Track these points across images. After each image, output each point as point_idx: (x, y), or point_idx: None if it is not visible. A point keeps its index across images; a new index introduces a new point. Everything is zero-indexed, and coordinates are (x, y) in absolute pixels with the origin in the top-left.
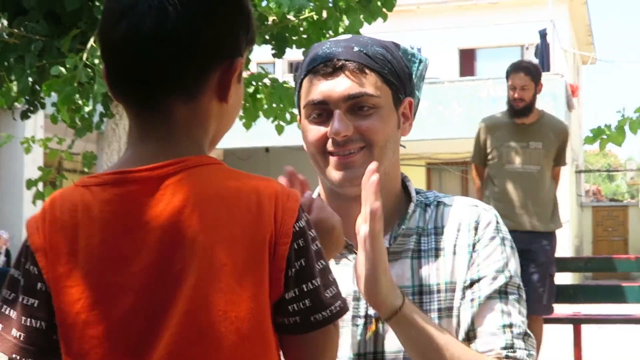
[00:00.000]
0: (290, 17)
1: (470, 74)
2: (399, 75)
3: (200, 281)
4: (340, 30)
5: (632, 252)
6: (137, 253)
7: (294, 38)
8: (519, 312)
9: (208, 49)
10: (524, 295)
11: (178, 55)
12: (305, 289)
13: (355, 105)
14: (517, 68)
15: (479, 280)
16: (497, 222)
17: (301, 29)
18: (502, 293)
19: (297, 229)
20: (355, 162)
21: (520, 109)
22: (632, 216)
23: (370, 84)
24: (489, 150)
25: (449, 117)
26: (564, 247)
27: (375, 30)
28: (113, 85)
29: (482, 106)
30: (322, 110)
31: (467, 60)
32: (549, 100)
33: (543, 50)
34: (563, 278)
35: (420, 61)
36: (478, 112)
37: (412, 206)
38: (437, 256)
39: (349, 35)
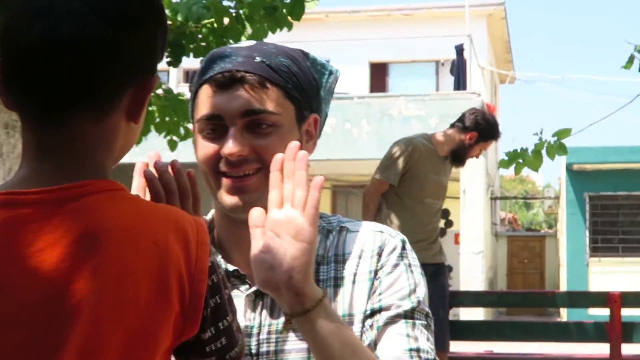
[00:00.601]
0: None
1: (381, 90)
2: (304, 89)
3: (97, 319)
4: (243, 38)
5: (548, 286)
6: (27, 284)
7: (191, 46)
8: (427, 339)
9: (127, 62)
10: (432, 326)
11: (95, 67)
12: (221, 327)
13: (252, 122)
14: (497, 137)
15: (380, 310)
16: (404, 248)
17: (200, 35)
18: (407, 317)
19: (210, 263)
20: (250, 185)
21: (464, 163)
22: (549, 247)
23: (271, 100)
24: (408, 175)
25: (357, 136)
26: (477, 280)
27: (280, 40)
28: (10, 92)
29: (394, 125)
30: (216, 126)
31: (379, 75)
32: None
33: (459, 67)
34: (475, 313)
35: (331, 73)
36: (389, 131)
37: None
38: (336, 286)
39: (252, 43)
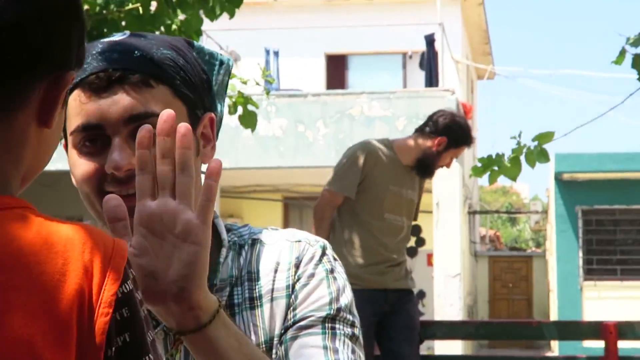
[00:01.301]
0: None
1: (339, 86)
2: (195, 84)
3: None
4: (174, 27)
5: (537, 314)
6: None
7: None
8: (351, 350)
9: (35, 53)
10: (360, 339)
11: None
12: None
13: (136, 130)
14: (469, 143)
15: (293, 324)
16: (323, 254)
17: (123, 23)
18: (326, 327)
19: (121, 294)
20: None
21: (433, 174)
22: (537, 269)
23: (157, 100)
24: (364, 186)
25: (312, 140)
26: (454, 308)
27: (219, 28)
28: None
29: (354, 127)
30: (95, 137)
31: (336, 69)
32: None
33: (430, 60)
34: (452, 347)
35: (221, 63)
36: (349, 134)
37: (223, 252)
38: (252, 307)
39: (126, 34)
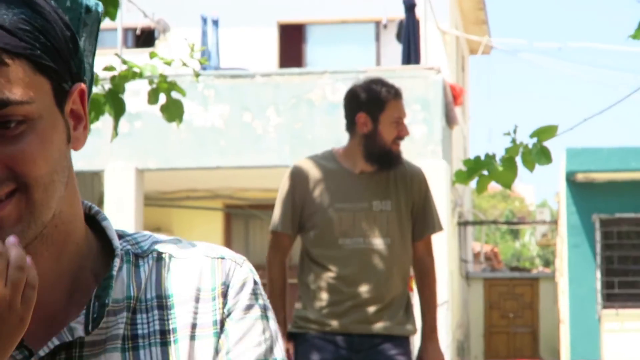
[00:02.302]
0: None
1: (296, 64)
2: (59, 50)
3: None
4: None
5: (544, 351)
6: None
7: None
8: None
9: None
10: None
11: None
12: None
13: None
14: (398, 93)
15: None
16: (255, 282)
17: None
18: None
19: None
20: (5, 217)
21: (398, 155)
22: (544, 294)
23: (15, 82)
24: (307, 214)
25: (262, 133)
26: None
27: None
28: None
29: (315, 116)
30: None
31: (292, 43)
32: (417, 111)
33: (410, 31)
34: None
35: (88, 9)
36: (307, 125)
37: (116, 262)
38: (164, 344)
39: None
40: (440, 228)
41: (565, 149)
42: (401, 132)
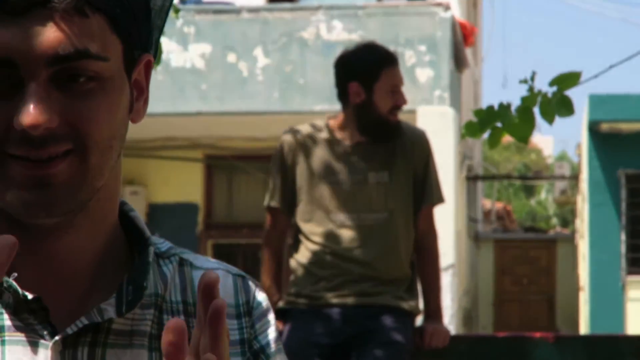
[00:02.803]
0: None
1: None
2: (135, 15)
3: None
4: None
5: (562, 322)
6: None
7: None
8: None
9: None
10: None
11: None
12: None
13: (64, 73)
14: (393, 59)
15: None
16: (268, 308)
17: None
18: None
19: None
20: (58, 175)
21: (397, 126)
22: (562, 258)
23: (93, 37)
24: (297, 187)
25: (248, 75)
26: (444, 314)
27: None
28: None
29: (307, 57)
30: (3, 78)
31: None
32: (423, 52)
33: None
34: None
35: None
36: (299, 67)
37: (151, 250)
38: None
39: None
40: (440, 200)
41: (588, 95)
42: (398, 102)
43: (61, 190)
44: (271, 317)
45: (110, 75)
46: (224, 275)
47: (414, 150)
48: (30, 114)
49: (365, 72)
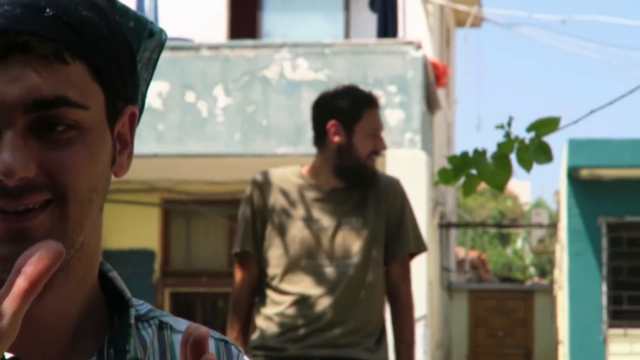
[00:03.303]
0: None
1: (249, 34)
2: (119, 64)
3: None
4: None
5: None
6: None
7: None
8: None
9: None
10: None
11: None
12: None
13: (42, 121)
14: (375, 102)
15: None
16: None
17: None
18: None
19: None
20: (36, 228)
21: (373, 173)
22: (540, 310)
23: (73, 84)
24: (267, 231)
25: (207, 116)
26: None
27: None
28: None
29: (271, 97)
30: None
31: (244, 10)
32: (394, 92)
33: None
34: None
35: (151, 34)
36: (262, 107)
37: (132, 312)
38: None
39: None
40: (420, 249)
41: (567, 140)
42: (377, 146)
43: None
44: None
45: (90, 125)
46: None
47: (388, 195)
48: (6, 162)
49: (347, 110)
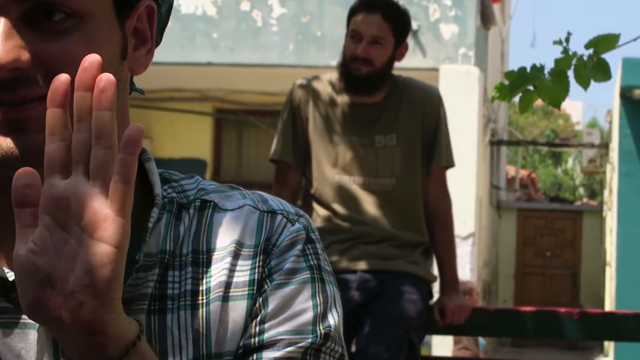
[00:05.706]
0: None
1: None
2: None
3: None
4: None
5: (585, 298)
6: None
7: None
8: None
9: None
10: None
11: None
12: None
13: (37, 9)
14: (371, 5)
15: (259, 348)
16: (309, 241)
17: None
18: (309, 356)
19: None
20: (32, 120)
21: (362, 79)
22: (589, 231)
23: None
24: (307, 143)
25: (262, 26)
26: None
27: None
28: None
29: (325, 7)
30: None
31: None
32: (448, 6)
33: None
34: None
35: None
36: (317, 17)
37: (155, 212)
38: (194, 307)
39: None
40: (449, 163)
41: (621, 59)
42: (355, 50)
43: (36, 136)
44: (294, 252)
45: (90, 14)
46: (249, 212)
47: (425, 106)
48: None
49: (349, 13)
